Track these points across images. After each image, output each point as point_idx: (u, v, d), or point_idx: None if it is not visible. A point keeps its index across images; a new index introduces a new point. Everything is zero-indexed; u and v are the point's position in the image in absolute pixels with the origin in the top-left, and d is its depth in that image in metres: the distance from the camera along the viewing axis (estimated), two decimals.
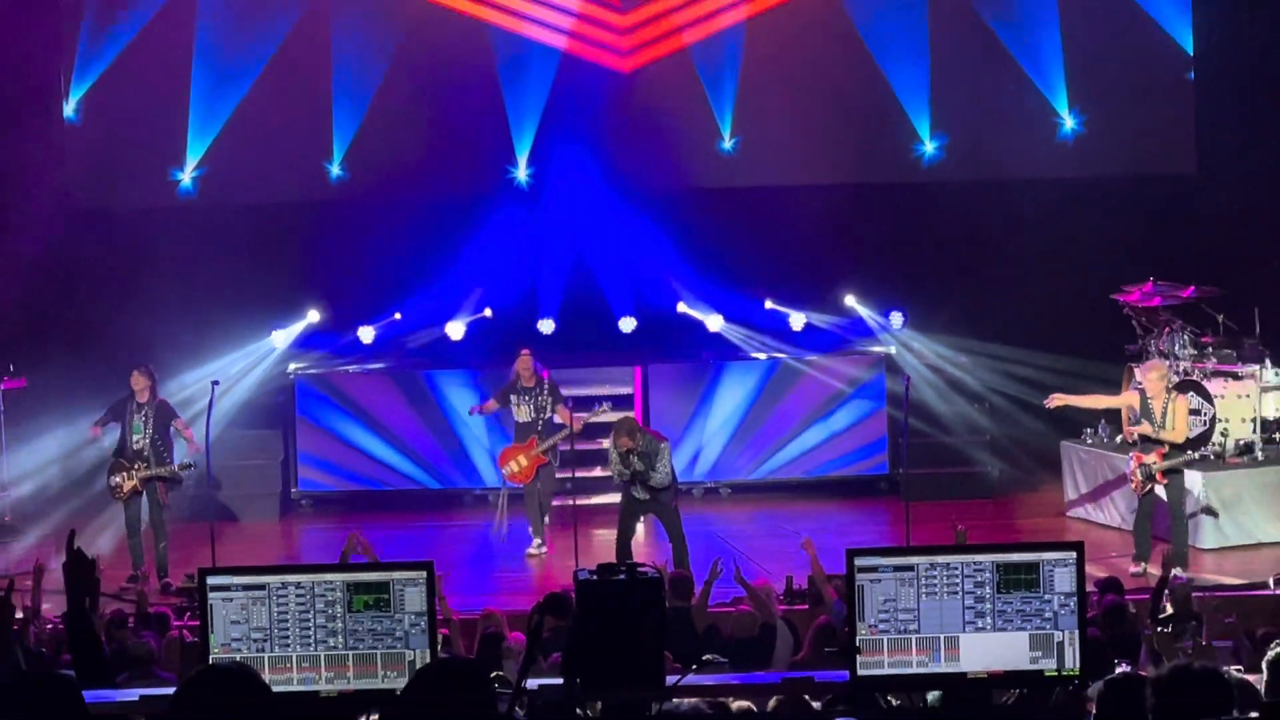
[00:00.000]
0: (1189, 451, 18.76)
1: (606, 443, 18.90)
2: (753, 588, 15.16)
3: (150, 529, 19.04)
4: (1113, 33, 23.19)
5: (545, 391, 19.93)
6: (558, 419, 19.88)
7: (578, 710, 7.88)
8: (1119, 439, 20.02)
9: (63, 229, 22.41)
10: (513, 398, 19.87)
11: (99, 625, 10.26)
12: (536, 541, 19.79)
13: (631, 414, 20.12)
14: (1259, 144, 22.25)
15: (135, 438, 18.89)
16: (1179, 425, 18.26)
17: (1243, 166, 22.37)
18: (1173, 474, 18.27)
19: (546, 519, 19.90)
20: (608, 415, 19.92)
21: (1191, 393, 19.44)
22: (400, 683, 7.49)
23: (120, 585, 17.46)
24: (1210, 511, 19.04)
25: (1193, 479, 19.03)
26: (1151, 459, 18.19)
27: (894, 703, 8.21)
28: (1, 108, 21.88)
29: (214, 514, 19.32)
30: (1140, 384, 18.94)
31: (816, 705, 8.28)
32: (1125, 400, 19.25)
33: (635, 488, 18.46)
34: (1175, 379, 19.14)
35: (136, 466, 18.85)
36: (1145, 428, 18.38)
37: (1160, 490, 18.26)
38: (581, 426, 19.87)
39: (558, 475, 20.04)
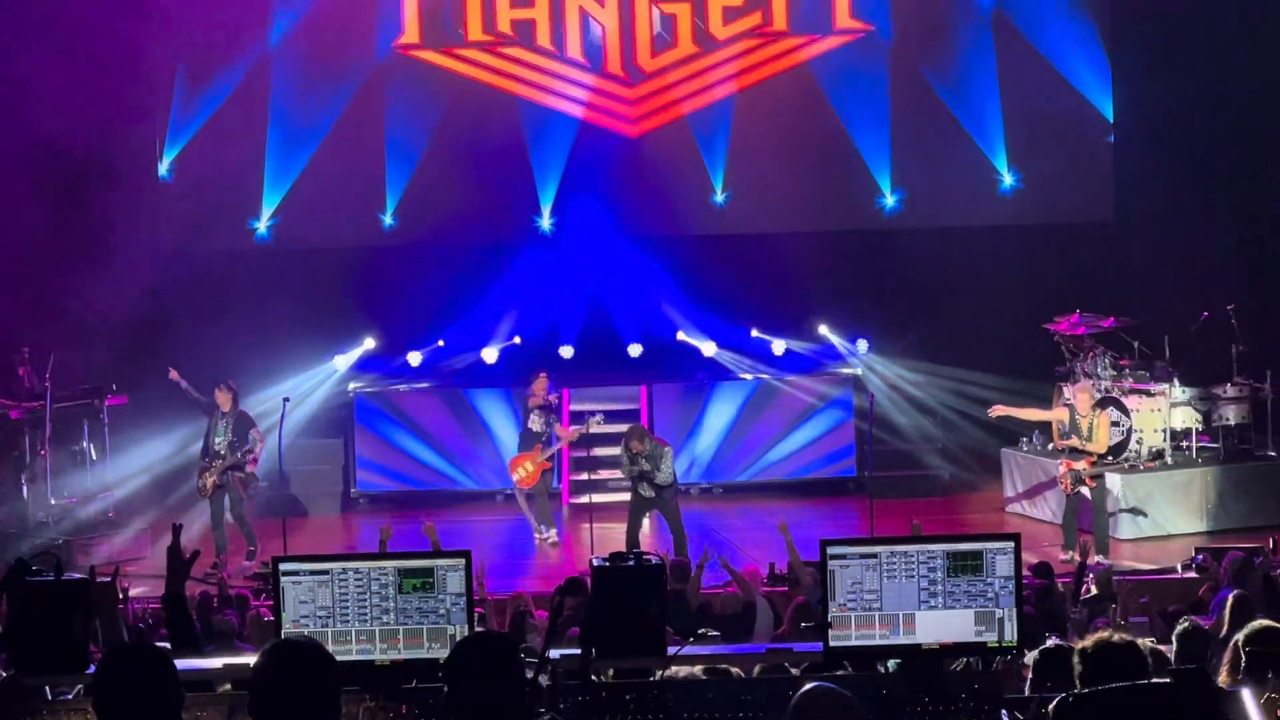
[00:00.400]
0: (1110, 459, 18.80)
1: (618, 449, 18.80)
2: (736, 571, 15.26)
3: (234, 523, 19.15)
4: (1044, 102, 23.18)
5: (555, 409, 20.08)
6: (556, 431, 20.03)
7: (593, 676, 7.82)
8: (1050, 447, 19.97)
9: (157, 270, 22.39)
10: (534, 415, 19.82)
11: (190, 605, 10.16)
12: (552, 532, 19.76)
13: (639, 423, 19.96)
14: (1166, 197, 22.23)
15: (217, 441, 19.07)
16: (1102, 438, 18.40)
17: (1153, 215, 22.45)
18: (1097, 478, 18.34)
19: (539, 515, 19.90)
20: (599, 427, 20.02)
21: (1112, 407, 19.40)
22: (443, 653, 7.42)
23: (205, 571, 17.30)
24: (1138, 512, 19.04)
25: (1113, 481, 19.00)
26: (1080, 465, 18.27)
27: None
28: (108, 168, 21.77)
29: (285, 510, 19.27)
30: (1070, 401, 18.99)
31: (795, 672, 8.14)
32: (1056, 415, 19.23)
33: (642, 486, 18.45)
34: (1098, 395, 19.09)
35: (215, 464, 18.96)
36: (1074, 440, 18.44)
37: (1086, 491, 18.26)
38: (577, 436, 20.10)
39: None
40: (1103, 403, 19.20)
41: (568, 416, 21.18)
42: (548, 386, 19.97)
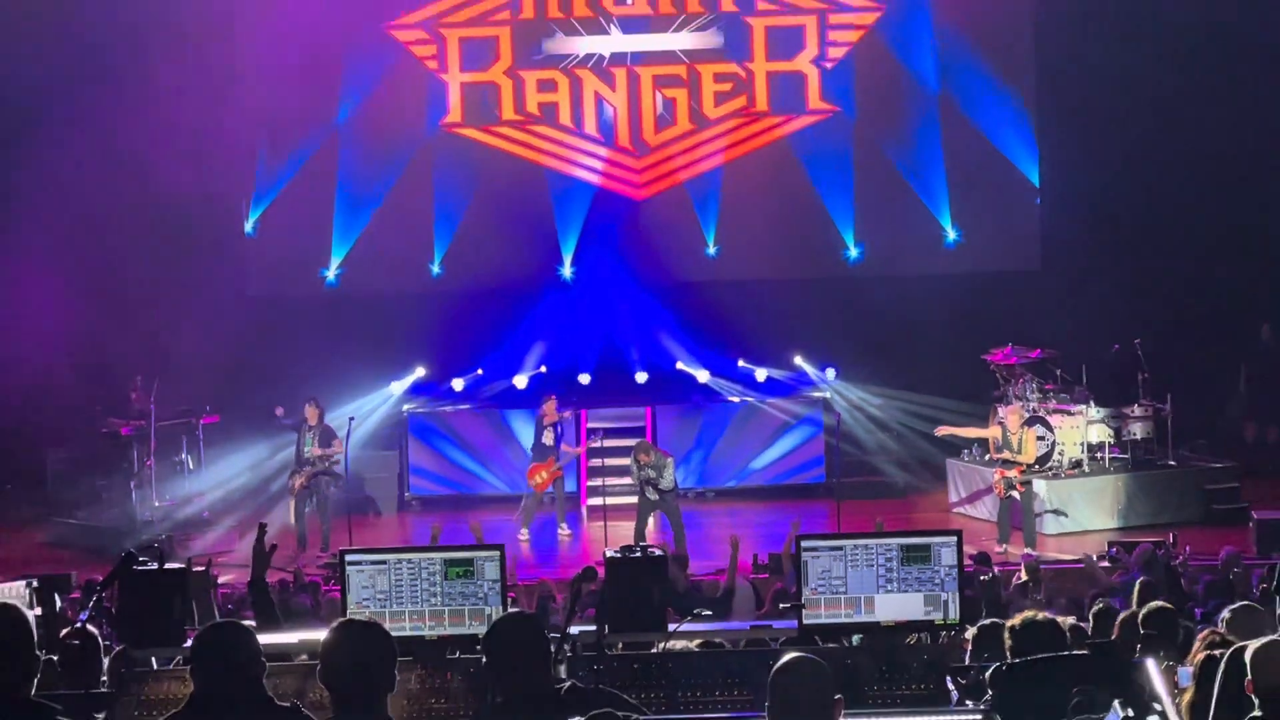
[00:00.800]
0: (1037, 468, 18.88)
1: (628, 460, 18.94)
2: (736, 558, 15.29)
3: (314, 518, 19.39)
4: (981, 170, 23.16)
5: (562, 426, 20.09)
6: (563, 446, 20.11)
7: (605, 648, 7.81)
8: (987, 458, 19.94)
9: (244, 310, 22.45)
10: (546, 431, 19.99)
11: (271, 590, 10.17)
12: (565, 529, 19.90)
13: (645, 439, 20.04)
14: (1083, 249, 22.28)
15: (306, 450, 19.32)
16: (1030, 451, 18.65)
17: (1073, 264, 22.39)
18: (1025, 483, 18.41)
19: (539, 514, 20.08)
20: (600, 442, 20.37)
21: (1038, 425, 19.41)
22: (481, 629, 7.42)
23: (284, 561, 17.28)
24: (1060, 513, 19.06)
25: (1039, 486, 19.01)
26: (1012, 474, 18.37)
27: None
28: (204, 226, 21.85)
29: (350, 510, 19.25)
30: (1002, 420, 19.02)
31: (775, 645, 8.15)
32: (991, 432, 19.28)
33: (648, 490, 18.55)
34: (1026, 415, 19.11)
35: (305, 470, 19.21)
36: (1007, 453, 18.65)
37: (1016, 494, 18.32)
38: (576, 454, 20.54)
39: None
40: (1030, 421, 19.22)
41: (585, 433, 21.15)
42: (556, 407, 20.08)
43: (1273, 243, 21.38)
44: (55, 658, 8.87)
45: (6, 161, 21.22)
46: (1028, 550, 17.57)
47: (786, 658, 5.79)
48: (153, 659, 8.07)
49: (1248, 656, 6.33)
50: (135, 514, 19.69)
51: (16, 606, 5.74)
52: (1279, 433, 22.24)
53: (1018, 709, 5.95)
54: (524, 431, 21.18)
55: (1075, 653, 6.81)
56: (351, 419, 19.88)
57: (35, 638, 5.53)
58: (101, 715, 7.64)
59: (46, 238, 20.08)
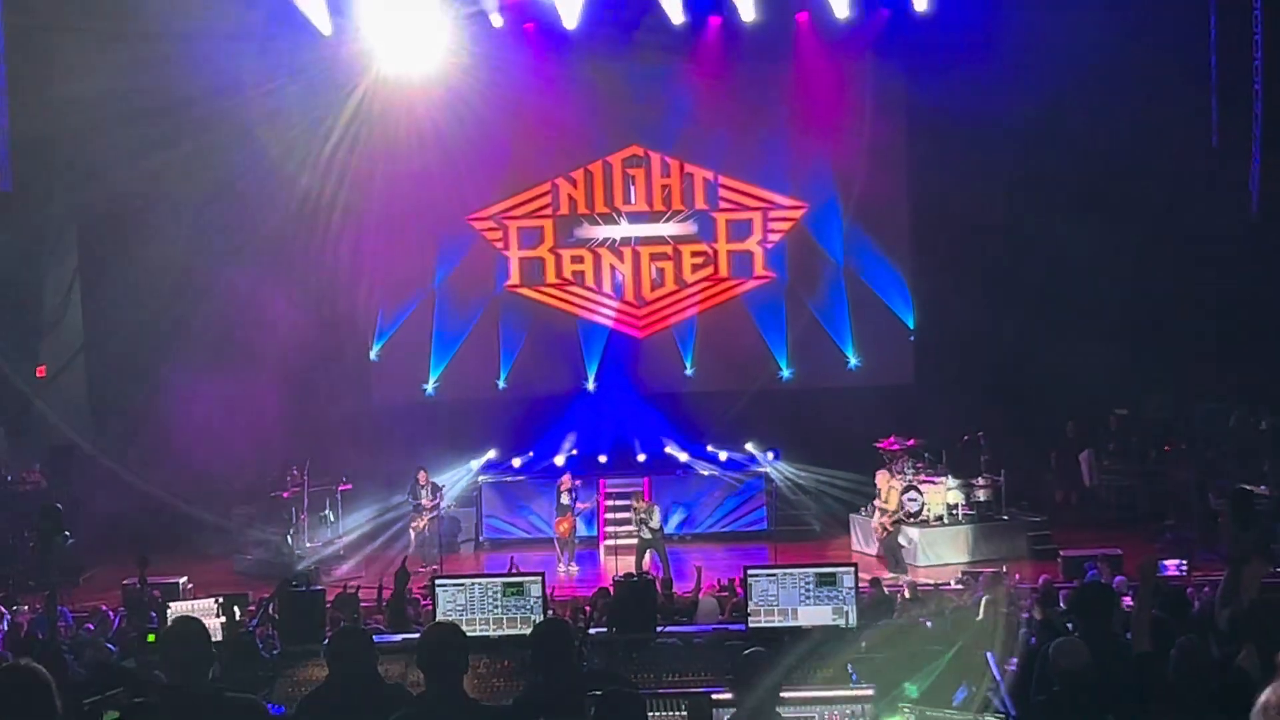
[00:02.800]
0: (910, 520, 18.90)
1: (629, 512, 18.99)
2: (700, 581, 15.28)
3: (429, 549, 19.42)
4: (874, 316, 23.19)
5: (575, 492, 20.02)
6: (576, 506, 20.10)
7: (615, 643, 7.78)
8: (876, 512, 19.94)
9: (370, 413, 22.61)
10: (564, 495, 19.99)
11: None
12: (573, 565, 19.69)
13: (640, 494, 19.92)
14: (943, 370, 22.29)
15: (424, 502, 19.58)
16: (893, 501, 18.93)
17: (937, 380, 22.34)
18: (897, 523, 18.65)
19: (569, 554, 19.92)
20: (585, 505, 20.39)
21: (912, 490, 19.34)
22: (527, 630, 7.36)
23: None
24: (929, 551, 19.00)
25: (913, 533, 18.96)
26: (886, 520, 18.63)
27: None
28: (343, 356, 21.87)
29: (444, 550, 19.23)
30: (877, 484, 19.15)
31: (731, 642, 8.12)
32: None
33: (643, 529, 18.67)
34: (901, 484, 19.12)
35: (423, 515, 19.56)
36: (878, 503, 19.05)
37: (893, 536, 18.43)
38: (584, 510, 20.35)
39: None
40: (905, 489, 19.26)
41: (604, 495, 21.06)
42: (570, 478, 20.13)
43: (1076, 369, 21.36)
44: (231, 651, 8.82)
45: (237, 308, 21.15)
46: (904, 576, 17.51)
47: (748, 650, 5.77)
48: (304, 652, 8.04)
49: (1051, 651, 6.31)
50: (291, 554, 19.63)
51: (199, 620, 5.70)
52: (1077, 497, 22.18)
53: (895, 685, 5.93)
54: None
55: (937, 647, 6.79)
56: (441, 487, 19.96)
57: (212, 641, 5.46)
58: (265, 691, 7.59)
59: (246, 364, 20.05)
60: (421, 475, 19.86)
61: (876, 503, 19.35)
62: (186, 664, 5.17)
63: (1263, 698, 2.95)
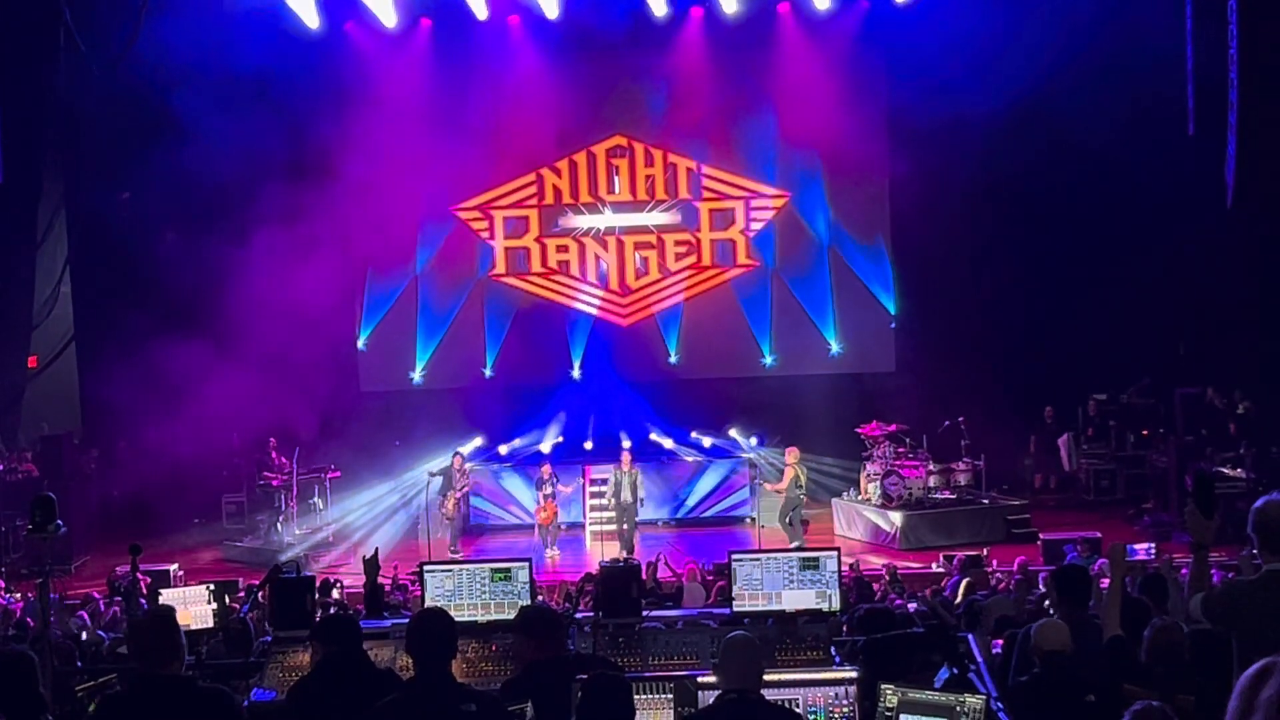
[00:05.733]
0: (889, 502, 18.85)
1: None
2: (672, 568, 15.36)
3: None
4: (856, 302, 23.21)
5: (555, 478, 20.00)
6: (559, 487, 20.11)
7: (600, 625, 7.81)
8: (859, 497, 19.97)
9: (356, 401, 22.51)
10: (545, 485, 20.00)
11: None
12: (555, 550, 19.67)
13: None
14: (925, 356, 22.36)
15: (459, 486, 19.72)
16: (787, 478, 19.09)
17: (917, 367, 22.46)
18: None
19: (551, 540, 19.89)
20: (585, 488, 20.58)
21: (894, 475, 19.40)
22: (512, 614, 7.36)
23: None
24: (909, 534, 19.00)
25: (896, 516, 19.03)
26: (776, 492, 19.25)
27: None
28: (331, 343, 21.74)
29: (431, 534, 19.19)
30: (789, 463, 19.27)
31: (715, 625, 8.13)
32: (788, 475, 19.44)
33: (622, 492, 19.28)
34: (792, 458, 19.33)
35: (454, 497, 19.57)
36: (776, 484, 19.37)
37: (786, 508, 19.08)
38: (572, 490, 20.51)
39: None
40: (886, 473, 19.34)
41: (588, 480, 21.05)
42: (551, 469, 20.13)
43: (1055, 354, 21.43)
44: (222, 636, 8.82)
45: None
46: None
47: (733, 633, 5.79)
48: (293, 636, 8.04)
49: (1033, 631, 6.35)
50: (281, 540, 19.64)
51: (172, 611, 5.66)
52: (1056, 481, 22.25)
53: (879, 669, 5.94)
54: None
55: (917, 630, 6.82)
56: (431, 474, 19.88)
57: (182, 631, 5.39)
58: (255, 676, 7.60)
59: (233, 352, 19.88)
60: (457, 459, 19.90)
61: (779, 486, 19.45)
62: (156, 653, 5.16)
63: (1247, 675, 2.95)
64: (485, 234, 23.43)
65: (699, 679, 5.99)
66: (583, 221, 23.42)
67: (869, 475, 19.78)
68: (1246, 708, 2.87)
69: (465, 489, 20.04)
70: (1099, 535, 16.96)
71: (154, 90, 19.89)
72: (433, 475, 19.80)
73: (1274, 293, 19.56)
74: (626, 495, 19.12)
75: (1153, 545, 15.61)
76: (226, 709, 5.22)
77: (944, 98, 20.11)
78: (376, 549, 9.87)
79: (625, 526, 19.30)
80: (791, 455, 19.35)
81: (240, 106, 19.84)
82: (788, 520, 18.97)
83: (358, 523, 20.45)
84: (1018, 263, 21.68)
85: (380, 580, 10.03)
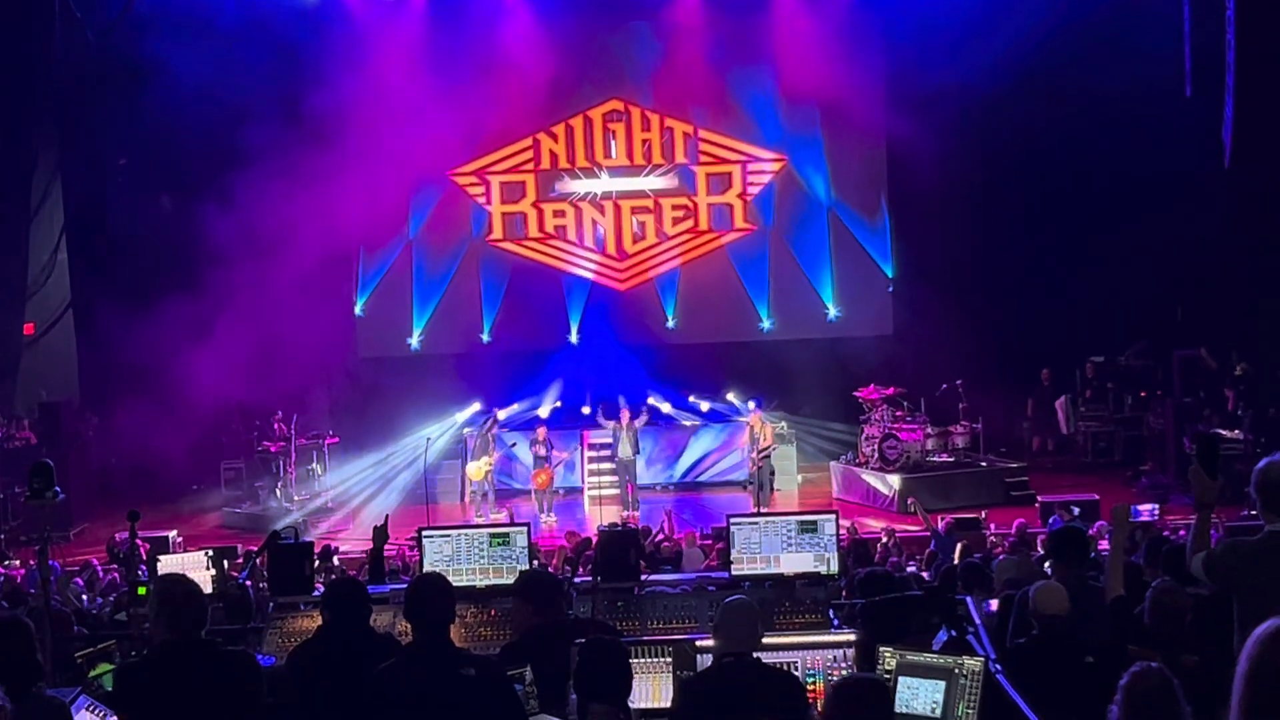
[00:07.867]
0: (887, 465, 18.74)
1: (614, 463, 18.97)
2: (669, 531, 15.38)
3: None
4: (855, 265, 23.17)
5: (550, 443, 20.02)
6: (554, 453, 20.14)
7: (599, 590, 7.79)
8: (856, 460, 19.99)
9: (355, 368, 22.55)
10: (539, 448, 19.97)
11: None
12: (552, 516, 19.59)
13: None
14: (922, 320, 22.21)
15: (550, 455, 19.98)
16: (768, 435, 19.36)
17: (915, 331, 22.41)
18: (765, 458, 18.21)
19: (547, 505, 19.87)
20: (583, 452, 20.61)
21: (892, 437, 19.40)
22: (511, 578, 7.34)
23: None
24: (908, 497, 18.99)
25: (894, 479, 19.01)
26: (756, 456, 19.39)
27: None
28: (324, 313, 21.54)
29: (430, 499, 19.12)
30: (751, 424, 19.42)
31: (714, 590, 8.11)
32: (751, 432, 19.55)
33: (623, 448, 19.57)
34: (761, 419, 19.49)
35: (549, 468, 19.82)
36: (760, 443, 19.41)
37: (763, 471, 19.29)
38: (561, 461, 20.45)
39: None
40: (885, 436, 19.30)
41: (586, 446, 21.07)
42: (546, 433, 20.11)
43: (1052, 317, 21.38)
44: (221, 604, 8.81)
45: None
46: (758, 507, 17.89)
47: (731, 597, 5.77)
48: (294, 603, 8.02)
49: (1031, 593, 6.33)
50: (279, 506, 19.65)
51: (193, 581, 5.60)
52: (1054, 444, 22.27)
53: (878, 631, 5.93)
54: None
55: (915, 593, 6.80)
56: (428, 439, 19.84)
57: (205, 600, 5.37)
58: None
59: (230, 318, 19.78)
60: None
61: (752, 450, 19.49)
62: (186, 617, 5.13)
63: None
64: (482, 199, 23.34)
65: (697, 642, 5.98)
66: (579, 186, 23.33)
67: (867, 438, 19.76)
68: (1269, 669, 2.80)
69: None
70: (1096, 498, 16.97)
71: (148, 57, 19.76)
72: (432, 441, 19.80)
73: (1271, 253, 19.49)
74: (627, 451, 19.17)
75: (1156, 506, 15.60)
76: (252, 670, 5.22)
77: (942, 60, 20.02)
78: (386, 516, 9.84)
79: (627, 478, 19.38)
80: (755, 418, 19.48)
81: (235, 73, 19.75)
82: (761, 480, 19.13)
83: (356, 488, 20.45)
84: (1015, 225, 21.62)
85: (386, 553, 10.01)
